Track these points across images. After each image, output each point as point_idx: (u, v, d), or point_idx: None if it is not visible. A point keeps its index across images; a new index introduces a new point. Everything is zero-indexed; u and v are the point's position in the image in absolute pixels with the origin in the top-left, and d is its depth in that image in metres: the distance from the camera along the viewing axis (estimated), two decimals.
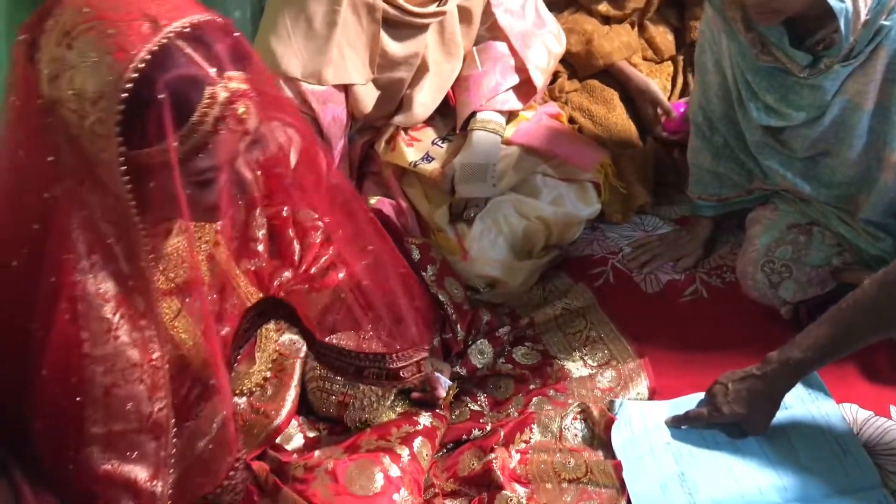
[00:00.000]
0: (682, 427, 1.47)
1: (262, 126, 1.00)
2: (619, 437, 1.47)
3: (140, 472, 1.02)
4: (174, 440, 1.05)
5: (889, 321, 1.27)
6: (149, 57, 0.87)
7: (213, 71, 0.91)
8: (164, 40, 0.88)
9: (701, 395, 1.52)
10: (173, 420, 1.05)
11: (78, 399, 0.97)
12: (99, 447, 1.00)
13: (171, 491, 1.07)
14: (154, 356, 1.01)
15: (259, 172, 1.19)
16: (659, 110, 2.05)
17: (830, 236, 1.64)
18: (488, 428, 1.54)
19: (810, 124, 1.51)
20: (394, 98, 1.88)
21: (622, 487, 1.39)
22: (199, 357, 1.15)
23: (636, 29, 2.21)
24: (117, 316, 0.97)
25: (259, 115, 0.98)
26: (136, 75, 0.86)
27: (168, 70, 0.88)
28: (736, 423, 1.42)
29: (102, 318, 0.96)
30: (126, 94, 0.87)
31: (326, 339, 1.35)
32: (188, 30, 0.90)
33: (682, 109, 2.02)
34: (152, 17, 0.89)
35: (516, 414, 1.57)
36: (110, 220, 0.95)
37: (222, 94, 0.91)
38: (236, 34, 0.96)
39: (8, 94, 0.97)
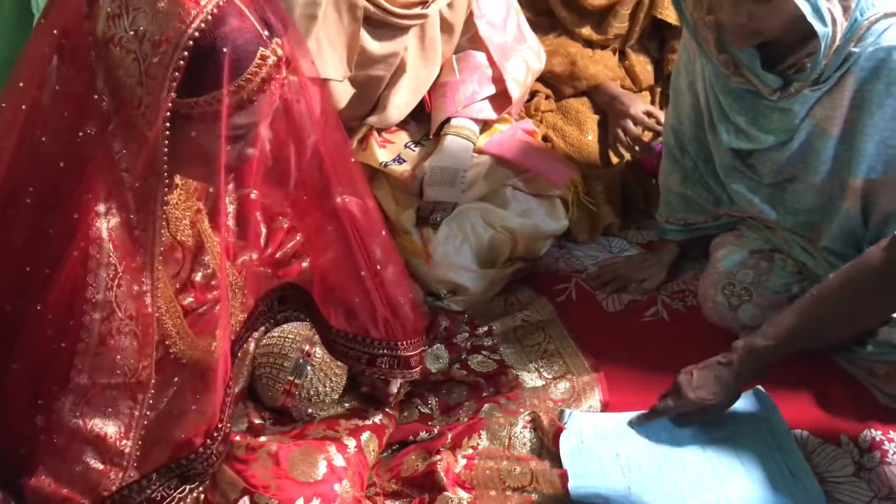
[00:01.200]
0: (649, 423, 1.47)
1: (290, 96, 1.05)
2: (567, 447, 1.45)
3: (110, 429, 1.02)
4: (150, 402, 1.05)
5: (850, 315, 1.29)
6: (216, 11, 0.91)
7: (265, 33, 0.95)
8: None
9: None
10: (153, 381, 1.04)
11: (68, 345, 0.97)
12: (75, 398, 0.99)
13: (138, 453, 1.06)
14: (148, 311, 1.01)
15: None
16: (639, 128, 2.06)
17: (792, 264, 1.65)
18: (436, 431, 1.51)
19: (778, 148, 1.52)
20: (370, 97, 1.88)
21: (567, 497, 1.36)
22: (169, 325, 1.14)
23: (617, 56, 2.24)
24: (122, 265, 0.97)
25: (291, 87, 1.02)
26: (203, 25, 0.90)
27: (230, 26, 0.92)
28: (698, 410, 1.42)
29: (110, 265, 0.97)
30: (192, 43, 0.90)
31: (339, 325, 1.35)
32: None
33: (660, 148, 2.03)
34: None
35: (466, 419, 1.55)
36: (128, 167, 0.96)
37: (272, 58, 0.95)
38: (280, 6, 1.01)
39: (45, 28, 0.97)
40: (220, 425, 1.14)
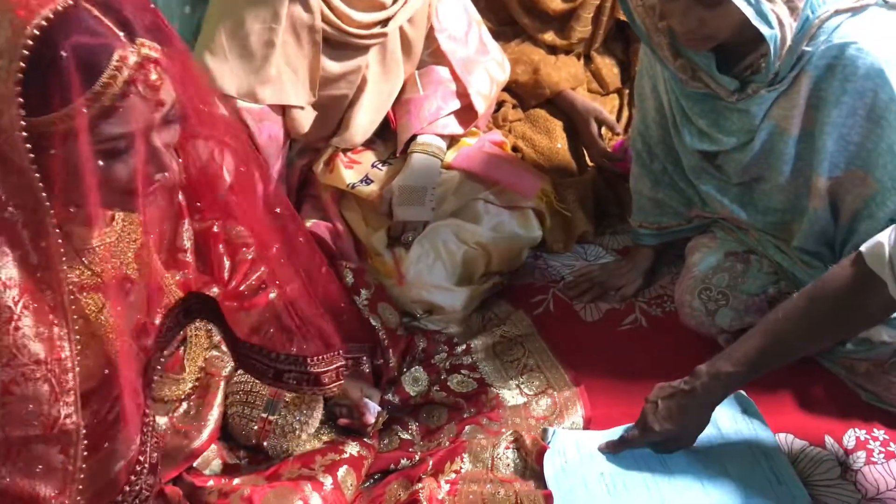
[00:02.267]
0: (617, 453, 1.42)
1: (184, 106, 0.97)
2: (551, 467, 1.42)
3: (44, 488, 0.96)
4: (85, 453, 0.98)
5: (818, 333, 1.26)
6: (52, 16, 0.84)
7: (122, 34, 0.88)
8: (71, 1, 0.86)
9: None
10: (84, 431, 0.98)
11: None
12: None
13: None
14: (63, 355, 0.95)
15: (180, 160, 1.15)
16: (604, 130, 2.05)
17: (768, 264, 1.63)
18: (417, 457, 1.49)
19: (741, 149, 1.51)
20: (334, 117, 1.86)
21: None
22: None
23: (582, 60, 2.23)
24: (19, 306, 0.91)
25: (180, 96, 0.95)
26: (38, 33, 0.83)
27: (74, 31, 0.86)
28: (668, 440, 1.39)
29: (4, 307, 0.91)
30: (27, 52, 0.84)
31: (245, 337, 1.29)
32: None
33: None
34: None
35: (448, 443, 1.52)
36: (16, 202, 0.91)
37: (132, 58, 0.88)
38: (157, 13, 0.95)
39: None
40: (141, 458, 1.08)
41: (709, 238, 1.73)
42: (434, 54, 1.93)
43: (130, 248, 1.11)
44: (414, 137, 1.88)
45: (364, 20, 1.73)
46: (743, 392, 1.51)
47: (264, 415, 1.40)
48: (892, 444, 1.44)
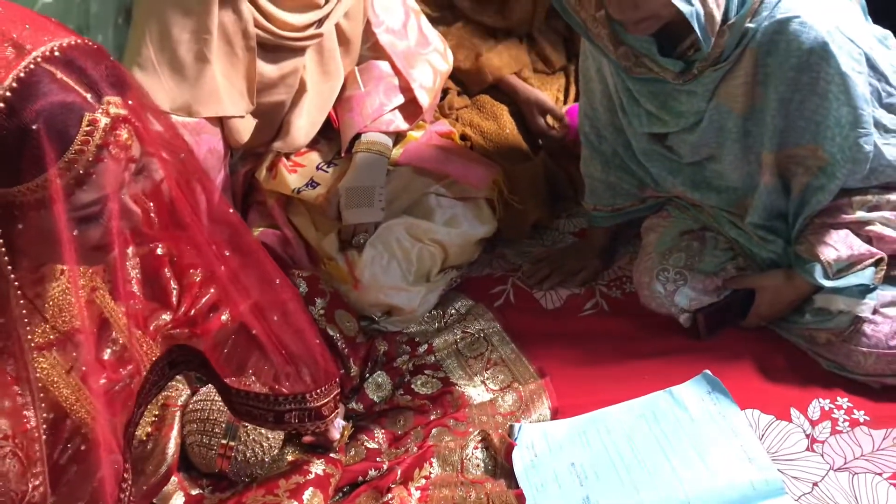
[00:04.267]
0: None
1: (146, 154, 0.93)
2: (521, 463, 1.41)
3: None
4: None
5: None
6: (16, 85, 0.80)
7: (89, 96, 0.84)
8: (32, 66, 0.81)
9: (604, 412, 1.49)
10: (52, 500, 0.95)
11: None
12: None
13: None
14: (29, 425, 0.91)
15: (151, 205, 1.11)
16: (550, 118, 2.03)
17: (724, 241, 1.63)
18: (385, 467, 1.46)
19: (691, 129, 1.49)
20: (274, 122, 1.79)
21: None
22: (83, 412, 1.04)
23: (525, 42, 2.19)
24: None
25: (143, 144, 0.91)
26: (2, 105, 0.79)
27: (39, 98, 0.81)
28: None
29: None
30: None
31: (239, 386, 1.26)
32: (57, 54, 0.83)
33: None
34: (16, 42, 0.82)
35: (415, 448, 1.49)
36: None
37: (103, 120, 0.84)
38: (111, 59, 0.89)
39: None
40: None
41: (663, 217, 1.71)
42: (373, 48, 1.87)
43: (81, 296, 1.06)
44: (358, 136, 1.83)
45: (298, 22, 1.67)
46: (708, 371, 1.51)
47: (224, 441, 1.36)
48: (855, 411, 1.45)
